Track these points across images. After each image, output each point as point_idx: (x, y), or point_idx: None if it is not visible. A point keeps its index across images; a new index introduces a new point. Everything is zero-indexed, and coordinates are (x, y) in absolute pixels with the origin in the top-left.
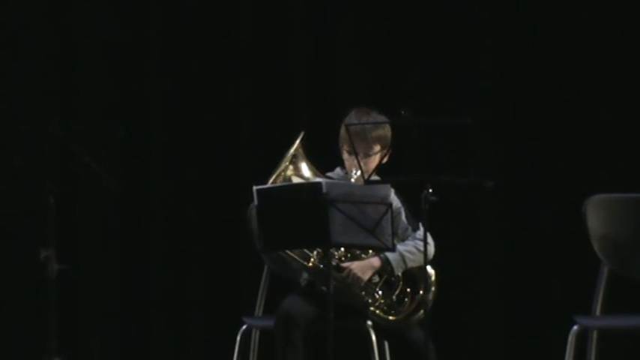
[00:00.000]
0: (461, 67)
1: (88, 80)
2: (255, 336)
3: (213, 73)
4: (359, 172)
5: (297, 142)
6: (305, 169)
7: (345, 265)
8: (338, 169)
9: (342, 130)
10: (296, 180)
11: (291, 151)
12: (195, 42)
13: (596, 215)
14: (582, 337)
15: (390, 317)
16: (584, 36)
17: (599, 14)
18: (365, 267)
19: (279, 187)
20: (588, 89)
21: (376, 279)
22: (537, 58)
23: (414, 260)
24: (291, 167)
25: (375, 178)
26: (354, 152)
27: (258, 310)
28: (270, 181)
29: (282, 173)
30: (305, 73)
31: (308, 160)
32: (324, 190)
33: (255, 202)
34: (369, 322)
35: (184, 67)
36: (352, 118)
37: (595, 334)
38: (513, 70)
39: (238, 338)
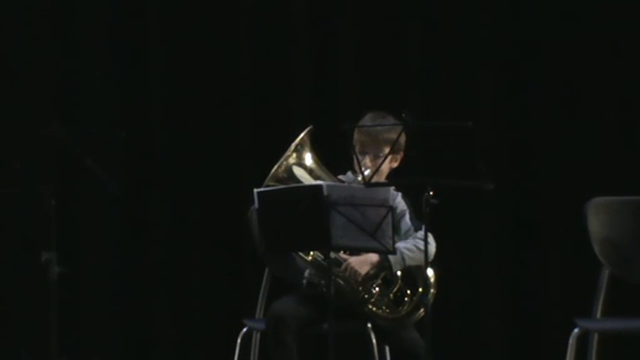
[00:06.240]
0: (461, 68)
1: (89, 81)
2: (256, 338)
3: (214, 74)
4: (367, 172)
5: (303, 134)
6: (308, 159)
7: (343, 257)
8: (349, 173)
9: (355, 132)
10: (296, 170)
11: (297, 141)
12: (197, 42)
13: (597, 218)
14: (583, 340)
15: (386, 315)
16: (585, 36)
17: (600, 14)
18: (363, 261)
19: (280, 189)
20: (589, 90)
21: (376, 279)
22: (538, 58)
23: (414, 258)
24: (294, 155)
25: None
26: (360, 153)
27: (259, 312)
28: (273, 170)
29: (285, 162)
30: (307, 75)
31: (313, 151)
32: (325, 192)
33: (256, 204)
34: (369, 325)
35: (186, 67)
36: (367, 121)
37: (596, 337)
38: (514, 72)
39: (239, 341)
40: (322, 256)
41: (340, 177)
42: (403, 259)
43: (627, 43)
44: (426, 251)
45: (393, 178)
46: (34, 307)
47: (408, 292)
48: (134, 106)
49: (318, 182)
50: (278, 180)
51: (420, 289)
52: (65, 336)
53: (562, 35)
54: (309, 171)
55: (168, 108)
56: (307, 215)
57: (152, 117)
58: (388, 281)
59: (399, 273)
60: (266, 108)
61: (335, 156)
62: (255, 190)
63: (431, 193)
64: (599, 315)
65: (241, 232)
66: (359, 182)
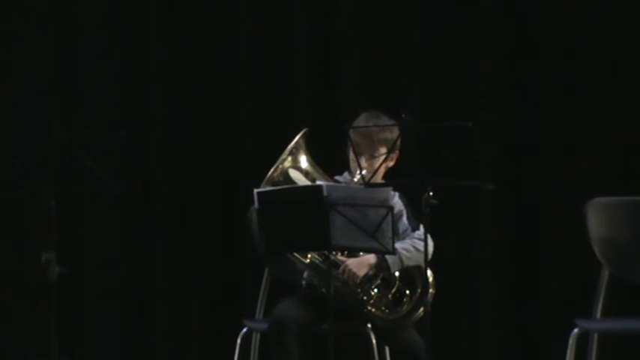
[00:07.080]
0: (461, 68)
1: (89, 81)
2: (256, 339)
3: (214, 74)
4: (364, 172)
5: (298, 137)
6: (303, 161)
7: (341, 259)
8: (346, 173)
9: (350, 133)
10: (293, 173)
11: (292, 144)
12: (197, 42)
13: (597, 218)
14: (583, 340)
15: (386, 316)
16: (585, 35)
17: (601, 14)
18: (361, 263)
19: (280, 190)
20: (589, 91)
21: (375, 280)
22: (537, 58)
23: (411, 258)
24: (290, 159)
25: (376, 181)
26: (357, 154)
27: (259, 313)
28: (269, 174)
29: (280, 165)
30: (307, 76)
31: (309, 154)
32: (325, 193)
33: (256, 205)
34: (369, 325)
35: (186, 68)
36: (361, 121)
37: (595, 337)
38: (513, 71)
39: (239, 341)
40: (320, 259)
41: (337, 177)
42: (401, 259)
43: (627, 41)
44: (425, 252)
45: (391, 177)
46: (34, 307)
47: (407, 292)
48: (134, 105)
49: (318, 183)
50: (274, 183)
51: (419, 290)
52: (65, 336)
53: (563, 34)
54: (305, 173)
55: (168, 108)
56: (307, 215)
57: (152, 117)
58: (387, 282)
59: (397, 273)
60: (266, 108)
61: (333, 157)
62: (255, 190)
63: (431, 193)
64: (599, 315)
65: (241, 233)
66: (355, 183)
